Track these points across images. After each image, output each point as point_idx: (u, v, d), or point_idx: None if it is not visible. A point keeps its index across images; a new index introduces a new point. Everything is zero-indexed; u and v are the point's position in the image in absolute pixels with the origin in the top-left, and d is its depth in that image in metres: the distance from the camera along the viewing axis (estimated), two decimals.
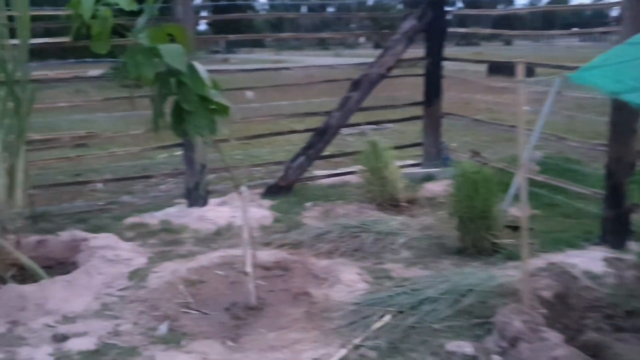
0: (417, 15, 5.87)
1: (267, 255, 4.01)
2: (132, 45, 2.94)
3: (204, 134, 3.08)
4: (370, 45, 53.14)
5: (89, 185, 5.65)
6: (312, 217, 4.89)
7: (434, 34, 5.99)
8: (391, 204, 5.07)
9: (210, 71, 5.96)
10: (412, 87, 6.82)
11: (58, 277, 3.56)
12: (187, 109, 3.02)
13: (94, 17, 2.86)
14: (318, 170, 6.44)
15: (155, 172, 6.59)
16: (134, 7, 2.95)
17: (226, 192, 5.61)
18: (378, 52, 6.12)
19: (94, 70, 5.57)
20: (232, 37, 5.98)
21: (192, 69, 2.98)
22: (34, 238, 4.30)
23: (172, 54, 2.89)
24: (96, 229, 4.64)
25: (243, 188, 3.36)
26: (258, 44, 62.90)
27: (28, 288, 3.37)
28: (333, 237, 4.20)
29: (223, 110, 3.14)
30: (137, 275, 3.75)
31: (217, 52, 54.17)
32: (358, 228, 4.33)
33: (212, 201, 5.30)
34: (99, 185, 5.77)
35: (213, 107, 3.11)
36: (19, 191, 3.77)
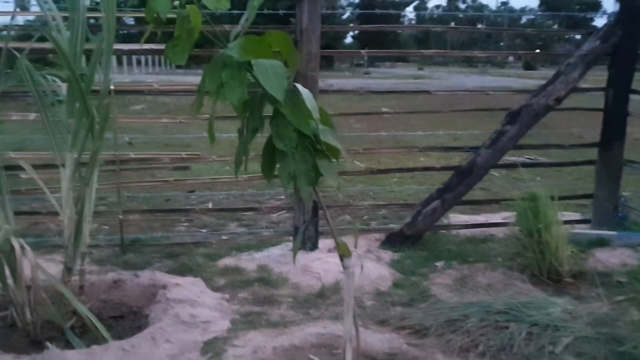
0: (601, 35, 4.62)
1: (378, 340, 3.04)
2: (216, 58, 2.13)
3: (299, 185, 2.19)
4: (520, 64, 50.22)
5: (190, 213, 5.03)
6: (443, 284, 3.84)
7: (623, 58, 4.68)
8: (550, 278, 3.89)
9: (340, 91, 5.16)
10: (580, 122, 5.54)
11: (114, 343, 2.84)
12: (280, 149, 2.16)
13: (171, 20, 2.08)
14: (455, 215, 5.36)
15: (264, 202, 5.92)
16: (226, 6, 2.13)
17: (342, 234, 4.73)
18: (527, 72, 4.94)
19: None
20: (364, 52, 5.07)
21: (293, 96, 2.11)
22: (111, 277, 3.68)
23: (269, 73, 2.03)
24: (184, 270, 3.95)
25: (350, 261, 2.43)
26: (401, 58, 62.28)
27: (74, 356, 2.68)
28: (471, 325, 3.12)
29: (331, 153, 2.24)
30: (212, 349, 2.93)
31: (360, 65, 54.23)
32: (505, 314, 3.22)
33: (324, 244, 4.44)
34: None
35: (318, 148, 2.23)
36: (86, 225, 3.13)
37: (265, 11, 4.32)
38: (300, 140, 2.16)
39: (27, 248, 2.97)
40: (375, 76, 38.16)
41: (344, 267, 2.45)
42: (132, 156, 4.22)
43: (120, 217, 4.27)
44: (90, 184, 3.12)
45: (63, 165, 3.06)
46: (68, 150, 3.06)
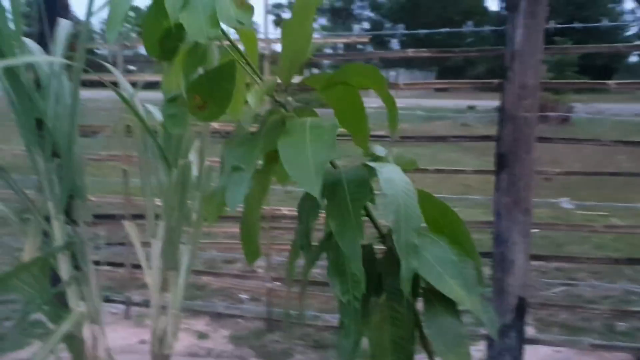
0: None
1: None
2: (235, 130, 1.16)
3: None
4: None
5: None
6: None
7: None
8: None
9: (569, 139, 3.73)
10: None
11: None
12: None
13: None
14: None
15: None
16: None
17: (555, 342, 3.32)
18: None
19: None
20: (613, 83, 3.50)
21: (361, 187, 1.03)
22: None
23: (297, 146, 0.97)
24: None
25: None
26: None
27: None
28: None
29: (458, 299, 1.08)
30: None
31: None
32: None
33: (533, 357, 3.10)
34: None
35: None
36: (171, 320, 2.35)
37: (464, 29, 3.16)
38: (388, 284, 1.07)
39: (101, 339, 2.32)
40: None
41: None
42: (285, 212, 3.42)
43: (269, 285, 3.49)
44: (184, 260, 2.36)
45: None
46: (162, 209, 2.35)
